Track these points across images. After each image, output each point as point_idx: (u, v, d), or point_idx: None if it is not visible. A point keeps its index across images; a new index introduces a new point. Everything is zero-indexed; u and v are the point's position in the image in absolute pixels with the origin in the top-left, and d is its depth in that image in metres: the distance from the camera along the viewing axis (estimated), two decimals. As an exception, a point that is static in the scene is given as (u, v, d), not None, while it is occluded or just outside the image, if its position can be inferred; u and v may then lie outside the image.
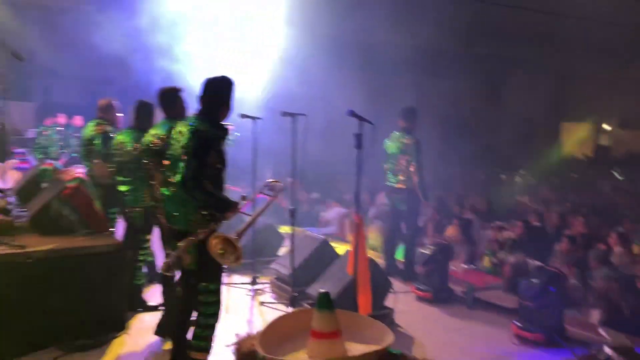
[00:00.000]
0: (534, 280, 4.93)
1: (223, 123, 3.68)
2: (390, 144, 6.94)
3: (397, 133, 6.94)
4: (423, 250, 6.31)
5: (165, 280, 4.54)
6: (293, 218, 5.61)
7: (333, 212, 10.36)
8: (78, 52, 12.73)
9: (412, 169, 6.71)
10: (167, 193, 3.73)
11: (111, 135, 5.59)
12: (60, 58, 13.26)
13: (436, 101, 19.06)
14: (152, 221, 4.98)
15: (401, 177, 6.81)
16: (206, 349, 3.68)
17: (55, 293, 4.30)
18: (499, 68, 19.62)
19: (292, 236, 5.67)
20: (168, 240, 3.87)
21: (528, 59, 19.31)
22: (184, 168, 3.44)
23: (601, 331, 5.05)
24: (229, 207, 3.56)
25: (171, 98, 4.47)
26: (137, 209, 5.09)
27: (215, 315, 3.71)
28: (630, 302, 5.43)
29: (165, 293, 4.64)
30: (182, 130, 3.64)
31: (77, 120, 11.61)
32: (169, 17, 9.60)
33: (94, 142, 5.71)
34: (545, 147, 22.03)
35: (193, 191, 3.44)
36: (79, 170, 5.68)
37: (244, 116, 5.96)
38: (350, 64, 16.18)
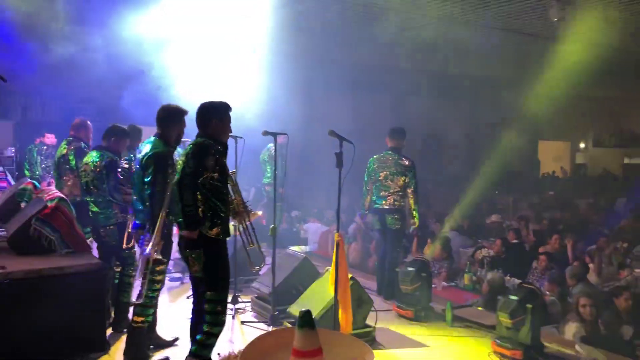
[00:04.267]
0: (512, 297, 5.01)
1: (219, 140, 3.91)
2: (381, 164, 6.84)
3: (390, 153, 6.86)
4: (410, 268, 6.28)
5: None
6: (273, 235, 5.64)
7: (313, 229, 10.41)
8: (58, 70, 12.69)
9: (409, 190, 6.71)
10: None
11: (85, 151, 5.68)
12: (40, 77, 13.19)
13: (415, 119, 19.32)
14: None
15: (394, 197, 6.74)
16: (206, 358, 3.79)
17: (35, 313, 4.26)
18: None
19: (273, 254, 5.69)
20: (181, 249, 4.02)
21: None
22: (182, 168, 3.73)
23: (578, 347, 5.13)
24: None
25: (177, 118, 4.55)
26: (110, 226, 5.10)
27: (219, 326, 3.82)
28: (606, 319, 5.54)
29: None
30: (186, 152, 3.87)
31: (51, 138, 11.51)
32: (151, 38, 9.64)
33: (68, 159, 5.80)
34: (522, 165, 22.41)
35: (185, 190, 3.68)
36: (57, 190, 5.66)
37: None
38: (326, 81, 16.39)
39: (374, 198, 6.90)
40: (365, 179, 6.94)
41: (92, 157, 5.17)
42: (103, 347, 4.64)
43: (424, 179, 17.56)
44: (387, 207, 6.78)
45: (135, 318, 4.37)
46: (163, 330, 5.01)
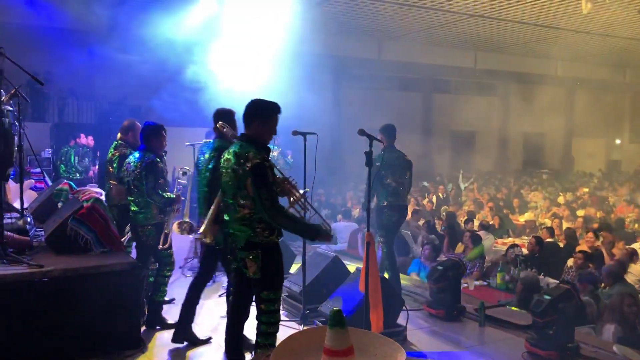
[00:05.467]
0: (546, 297, 4.93)
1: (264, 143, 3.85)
2: (389, 160, 6.47)
3: (395, 148, 6.55)
4: (439, 267, 6.27)
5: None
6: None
7: (342, 228, 10.40)
8: (92, 74, 13.00)
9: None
10: (226, 217, 3.91)
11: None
12: (74, 80, 13.53)
13: (445, 116, 19.18)
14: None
15: (403, 194, 6.53)
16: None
17: (72, 311, 4.37)
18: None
19: (303, 253, 5.71)
20: (230, 253, 4.01)
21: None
22: (257, 199, 3.61)
23: (615, 348, 5.02)
24: (316, 234, 3.78)
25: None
26: (148, 226, 5.20)
27: (276, 324, 3.87)
28: (644, 319, 5.40)
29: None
30: (229, 157, 3.79)
31: (89, 140, 11.83)
32: (184, 41, 9.79)
33: (113, 164, 5.87)
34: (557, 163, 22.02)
35: (276, 219, 3.67)
36: (95, 190, 5.79)
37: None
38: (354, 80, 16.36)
39: (392, 192, 6.66)
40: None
41: (133, 157, 5.25)
42: (138, 344, 4.72)
43: (455, 177, 17.42)
44: (399, 203, 6.53)
45: None
46: (195, 327, 5.08)
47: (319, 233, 3.79)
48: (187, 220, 5.68)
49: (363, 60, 16.72)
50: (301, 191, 4.19)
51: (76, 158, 11.29)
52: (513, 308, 6.29)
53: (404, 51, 17.13)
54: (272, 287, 3.81)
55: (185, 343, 4.97)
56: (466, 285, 7.21)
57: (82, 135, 11.73)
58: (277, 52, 9.18)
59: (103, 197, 5.55)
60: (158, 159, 5.20)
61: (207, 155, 4.77)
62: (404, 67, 17.49)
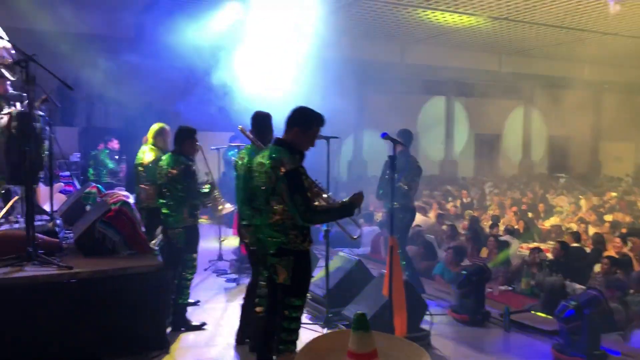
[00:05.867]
0: (572, 303, 4.87)
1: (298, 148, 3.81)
2: (402, 164, 6.62)
3: (409, 153, 6.78)
4: (463, 272, 6.26)
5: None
6: (327, 239, 5.68)
7: (365, 232, 10.38)
8: (119, 79, 13.23)
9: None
10: (257, 222, 3.91)
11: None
12: (102, 85, 13.77)
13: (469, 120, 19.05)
14: (196, 240, 5.33)
15: (412, 196, 6.86)
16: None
17: (99, 312, 4.45)
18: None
19: (327, 257, 5.73)
20: (260, 259, 4.03)
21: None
22: (291, 205, 3.59)
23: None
24: (352, 207, 3.79)
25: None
26: (178, 229, 5.27)
27: (296, 331, 3.86)
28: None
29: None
30: (262, 161, 3.77)
31: (115, 143, 12.08)
32: (209, 47, 9.90)
33: (143, 167, 5.99)
34: (583, 167, 21.68)
35: (313, 220, 3.72)
36: (122, 193, 5.90)
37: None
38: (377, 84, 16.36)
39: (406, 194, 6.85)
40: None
41: (165, 160, 5.34)
42: (163, 345, 4.79)
43: (480, 181, 17.24)
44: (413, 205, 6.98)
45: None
46: (220, 328, 5.14)
47: (354, 204, 3.80)
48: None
49: (387, 64, 16.69)
50: (325, 195, 4.21)
51: (111, 161, 11.59)
52: (538, 313, 6.22)
53: (428, 55, 17.07)
54: (299, 295, 3.80)
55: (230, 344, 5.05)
56: (491, 290, 7.15)
57: (113, 140, 12.02)
58: (302, 56, 9.23)
59: (131, 200, 5.64)
60: (190, 162, 5.29)
61: (246, 159, 4.82)
62: (427, 70, 17.43)
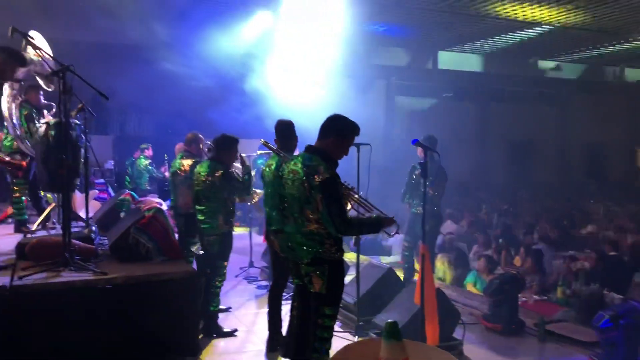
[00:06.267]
0: (610, 312, 4.73)
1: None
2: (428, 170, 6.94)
3: (434, 159, 6.81)
4: (496, 280, 6.17)
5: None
6: (357, 246, 5.65)
7: (396, 240, 10.30)
8: (152, 88, 13.47)
9: None
10: (288, 230, 3.86)
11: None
12: (135, 94, 14.05)
13: (501, 126, 18.78)
14: (229, 248, 5.41)
15: (438, 202, 6.96)
16: None
17: (133, 317, 4.50)
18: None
19: (357, 264, 5.70)
20: (292, 268, 3.99)
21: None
22: (326, 215, 3.54)
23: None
24: (382, 225, 3.85)
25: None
26: (213, 236, 5.34)
27: (329, 340, 3.85)
28: None
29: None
30: (295, 169, 3.74)
31: (148, 152, 12.30)
32: (240, 53, 9.98)
33: (179, 174, 6.11)
34: (620, 174, 21.14)
35: (347, 232, 3.70)
36: (155, 200, 5.99)
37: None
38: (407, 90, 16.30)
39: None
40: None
41: (203, 168, 5.44)
42: (195, 351, 4.82)
43: (512, 188, 16.96)
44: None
45: None
46: (252, 335, 5.16)
47: (384, 223, 3.85)
48: None
49: (417, 70, 16.60)
50: (356, 196, 4.21)
51: (151, 168, 11.90)
52: (574, 323, 6.07)
53: (459, 60, 16.91)
54: (333, 304, 3.79)
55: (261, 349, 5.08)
56: (525, 299, 7.02)
57: (150, 147, 12.28)
58: (332, 63, 9.26)
59: (164, 207, 5.73)
60: (228, 168, 5.39)
61: (273, 166, 4.84)
62: (458, 76, 17.26)
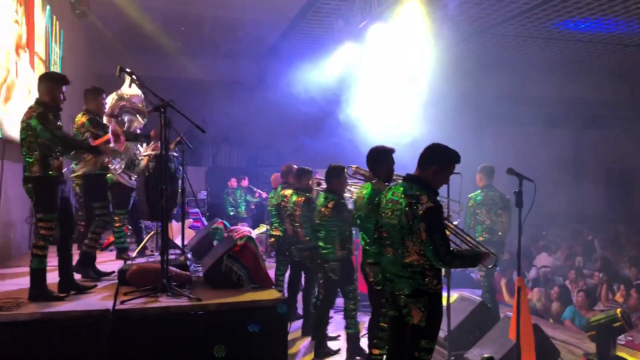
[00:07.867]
0: None
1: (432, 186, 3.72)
2: (484, 199, 7.02)
3: (493, 188, 7.03)
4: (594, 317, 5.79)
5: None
6: (448, 278, 5.51)
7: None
8: (241, 120, 14.03)
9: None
10: (385, 260, 3.82)
11: (310, 202, 6.36)
12: (226, 127, 14.69)
13: (597, 152, 17.83)
14: (352, 272, 5.69)
15: (498, 231, 6.90)
16: None
17: (224, 343, 4.59)
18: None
19: (448, 297, 5.54)
20: (388, 299, 3.90)
21: None
22: (429, 245, 3.48)
23: None
24: (480, 260, 3.83)
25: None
26: (333, 262, 5.59)
27: None
28: None
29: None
30: (395, 199, 3.70)
31: (245, 182, 12.81)
32: (328, 84, 10.17)
33: (288, 205, 6.60)
34: None
35: (450, 264, 3.65)
36: (246, 229, 6.17)
37: None
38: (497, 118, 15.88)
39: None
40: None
41: (320, 200, 5.78)
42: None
43: (611, 219, 15.95)
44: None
45: None
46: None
47: (483, 257, 3.84)
48: None
49: (506, 96, 16.14)
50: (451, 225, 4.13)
51: (251, 197, 12.63)
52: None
53: (550, 85, 16.25)
54: (431, 336, 3.69)
55: None
56: (631, 338, 6.51)
57: (247, 178, 12.93)
58: (422, 91, 9.21)
59: (254, 235, 5.89)
60: (339, 197, 5.61)
61: (366, 196, 4.86)
62: (550, 101, 16.60)
